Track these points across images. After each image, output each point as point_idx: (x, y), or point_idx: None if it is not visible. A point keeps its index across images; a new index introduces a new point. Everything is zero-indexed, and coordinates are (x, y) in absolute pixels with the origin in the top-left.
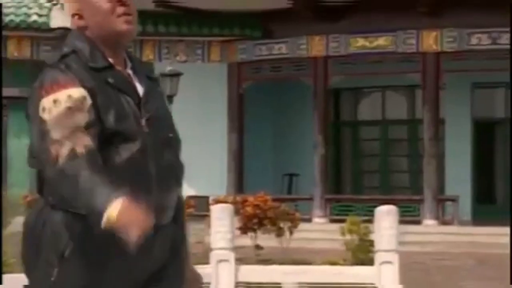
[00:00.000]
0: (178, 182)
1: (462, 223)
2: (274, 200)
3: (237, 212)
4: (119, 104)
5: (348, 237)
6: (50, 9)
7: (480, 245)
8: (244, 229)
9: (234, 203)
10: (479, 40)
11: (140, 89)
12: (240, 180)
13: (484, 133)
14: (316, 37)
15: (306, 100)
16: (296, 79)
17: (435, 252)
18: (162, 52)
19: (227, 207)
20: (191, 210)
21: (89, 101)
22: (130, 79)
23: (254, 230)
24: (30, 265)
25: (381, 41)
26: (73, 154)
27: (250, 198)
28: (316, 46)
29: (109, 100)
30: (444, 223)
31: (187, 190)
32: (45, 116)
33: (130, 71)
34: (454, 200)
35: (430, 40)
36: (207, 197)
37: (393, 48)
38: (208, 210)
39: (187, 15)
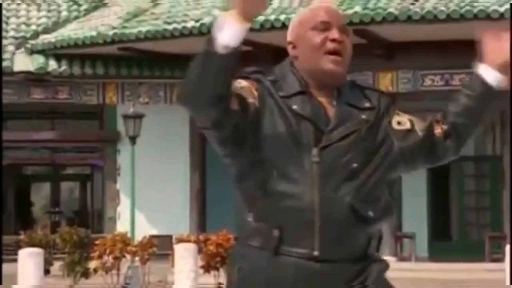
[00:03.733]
0: (360, 221)
1: (419, 259)
2: (237, 238)
3: (200, 250)
4: (288, 132)
5: None
6: (13, 53)
7: (437, 281)
8: (207, 268)
9: (197, 242)
10: (433, 81)
11: (336, 117)
12: (202, 219)
13: (439, 172)
14: None
15: None
16: None
17: None
18: (125, 94)
19: (190, 246)
20: (154, 249)
21: (255, 101)
22: (323, 106)
23: (217, 269)
24: None
25: None
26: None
27: (213, 237)
28: None
29: (276, 128)
30: (402, 259)
31: (150, 229)
32: None
33: (333, 99)
34: (411, 237)
35: (386, 81)
36: (170, 236)
37: None
38: (171, 249)
39: (149, 58)
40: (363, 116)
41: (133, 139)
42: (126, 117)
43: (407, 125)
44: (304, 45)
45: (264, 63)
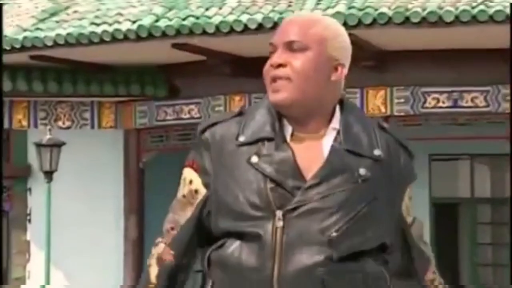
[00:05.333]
0: None
1: None
2: None
3: None
4: (244, 190)
5: None
6: None
7: None
8: None
9: None
10: (437, 101)
11: (321, 169)
12: (139, 273)
13: (445, 217)
14: (235, 96)
15: None
16: None
17: None
18: (39, 116)
19: None
20: None
21: (200, 194)
22: (302, 153)
23: None
24: None
25: None
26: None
27: None
28: (235, 107)
29: (230, 189)
30: None
31: (76, 284)
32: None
33: (323, 141)
34: None
35: (377, 101)
36: None
37: None
38: None
39: (71, 70)
40: (361, 170)
41: (49, 175)
42: (39, 146)
43: (409, 220)
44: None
45: (220, 76)
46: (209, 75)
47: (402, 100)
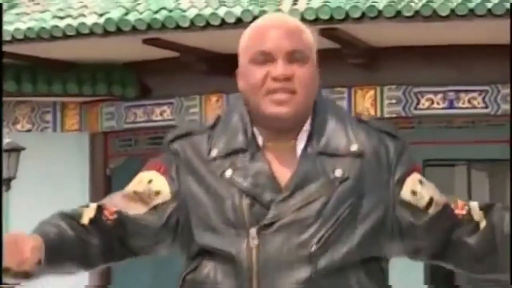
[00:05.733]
0: None
1: None
2: None
3: None
4: (217, 207)
5: None
6: None
7: None
8: None
9: None
10: (431, 102)
11: (292, 180)
12: (106, 277)
13: None
14: (212, 96)
15: None
16: None
17: None
18: None
19: None
20: None
21: (162, 198)
22: (277, 164)
23: None
24: None
25: None
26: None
27: None
28: (212, 108)
29: (203, 205)
30: None
31: None
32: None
33: (296, 150)
34: None
35: (366, 102)
36: None
37: None
38: None
39: (32, 67)
40: (337, 171)
41: (6, 183)
42: None
43: (423, 202)
44: (244, 81)
45: (196, 74)
46: (183, 73)
47: (393, 101)
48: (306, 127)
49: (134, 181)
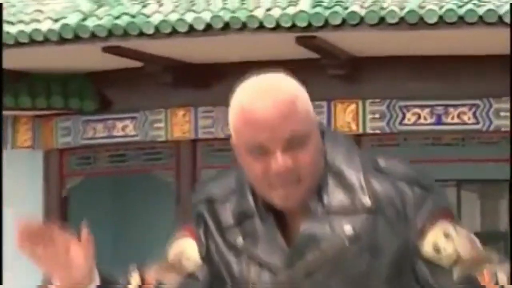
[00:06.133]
0: None
1: None
2: None
3: None
4: (228, 275)
5: None
6: None
7: None
8: None
9: None
10: (418, 117)
11: (297, 244)
12: None
13: None
14: (178, 110)
15: (165, 202)
16: (148, 172)
17: None
18: None
19: None
20: None
21: (193, 266)
22: (287, 226)
23: None
24: None
25: None
26: None
27: None
28: (179, 123)
29: (220, 274)
30: None
31: None
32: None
33: (308, 210)
34: None
35: (347, 116)
36: None
37: None
38: None
39: None
40: (348, 229)
41: None
42: None
43: (446, 260)
44: (245, 169)
45: (161, 86)
46: (147, 84)
47: (376, 116)
48: (316, 184)
49: (169, 250)
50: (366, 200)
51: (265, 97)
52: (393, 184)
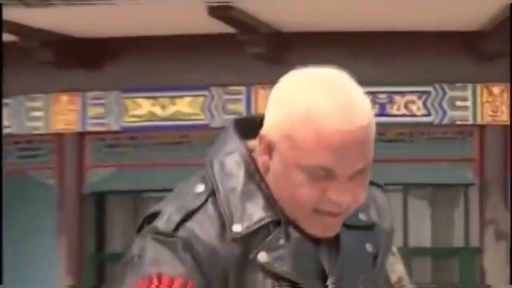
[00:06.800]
0: None
1: None
2: None
3: None
4: None
5: None
6: None
7: None
8: None
9: None
10: None
11: (338, 262)
12: None
13: None
14: (62, 96)
15: (45, 209)
16: (23, 172)
17: None
18: None
19: None
20: None
21: None
22: (314, 246)
23: None
24: None
25: (188, 105)
26: None
27: None
28: (62, 111)
29: None
30: None
31: None
32: None
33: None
34: None
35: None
36: None
37: (207, 119)
38: None
39: None
40: (368, 246)
41: None
42: None
43: (396, 277)
44: (287, 183)
45: (41, 66)
46: (23, 63)
47: None
48: None
49: None
50: (376, 217)
51: (350, 119)
52: (384, 197)
